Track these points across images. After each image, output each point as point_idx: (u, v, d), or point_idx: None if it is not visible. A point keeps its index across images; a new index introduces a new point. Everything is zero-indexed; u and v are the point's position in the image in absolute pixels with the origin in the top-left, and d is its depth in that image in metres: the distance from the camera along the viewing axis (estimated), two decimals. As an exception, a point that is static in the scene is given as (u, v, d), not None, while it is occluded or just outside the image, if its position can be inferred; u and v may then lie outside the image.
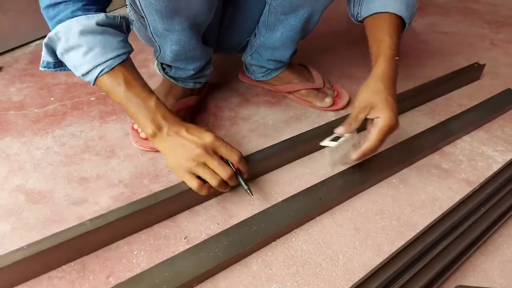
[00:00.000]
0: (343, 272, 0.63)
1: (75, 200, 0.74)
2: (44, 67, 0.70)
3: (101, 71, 0.63)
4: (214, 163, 0.64)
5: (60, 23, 0.62)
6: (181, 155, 0.64)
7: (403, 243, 0.65)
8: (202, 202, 0.74)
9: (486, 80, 1.12)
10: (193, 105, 0.95)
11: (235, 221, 0.70)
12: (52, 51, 0.67)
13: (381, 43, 0.74)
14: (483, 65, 1.10)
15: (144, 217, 0.68)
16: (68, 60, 0.65)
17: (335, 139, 0.72)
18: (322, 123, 0.89)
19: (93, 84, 0.65)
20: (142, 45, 0.98)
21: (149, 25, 0.73)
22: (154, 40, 0.78)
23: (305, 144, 0.83)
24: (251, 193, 0.69)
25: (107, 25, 0.65)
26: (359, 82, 1.10)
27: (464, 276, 0.63)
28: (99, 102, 1.01)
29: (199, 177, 0.65)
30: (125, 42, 0.67)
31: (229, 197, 0.75)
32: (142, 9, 0.69)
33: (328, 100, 0.98)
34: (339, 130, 0.72)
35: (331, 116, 0.97)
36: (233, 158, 0.66)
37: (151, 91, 0.67)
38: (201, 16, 0.74)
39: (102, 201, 0.74)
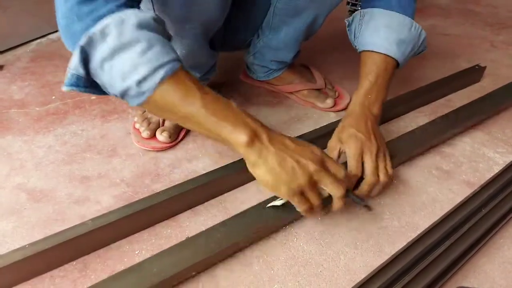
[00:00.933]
0: (344, 273, 0.63)
1: (77, 199, 0.74)
2: (70, 85, 0.52)
3: (164, 74, 0.51)
4: (328, 181, 0.56)
5: (100, 19, 0.49)
6: (292, 171, 0.54)
7: (404, 244, 0.65)
8: (203, 202, 0.74)
9: (487, 82, 1.13)
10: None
11: (236, 221, 0.70)
12: (86, 61, 0.52)
13: (359, 84, 0.76)
14: (484, 67, 1.10)
15: (146, 216, 0.68)
16: (114, 66, 0.50)
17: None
18: (324, 124, 0.89)
19: (151, 94, 0.51)
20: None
21: None
22: None
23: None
24: (369, 207, 0.71)
25: (162, 24, 0.55)
26: (361, 83, 1.11)
27: (465, 278, 0.63)
28: (100, 101, 1.01)
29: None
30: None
31: (231, 197, 0.75)
32: (154, 12, 0.69)
33: (329, 101, 0.98)
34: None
35: (332, 117, 0.97)
36: (341, 174, 0.59)
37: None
38: (212, 23, 0.74)
39: (104, 200, 0.74)
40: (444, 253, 0.63)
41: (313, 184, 0.56)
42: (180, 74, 0.52)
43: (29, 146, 0.87)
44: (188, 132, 0.90)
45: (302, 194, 0.57)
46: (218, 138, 0.55)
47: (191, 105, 0.53)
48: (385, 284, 0.59)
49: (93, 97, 1.03)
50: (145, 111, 0.90)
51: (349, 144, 0.70)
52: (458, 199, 0.74)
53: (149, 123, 0.87)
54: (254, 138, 0.54)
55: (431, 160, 0.85)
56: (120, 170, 0.81)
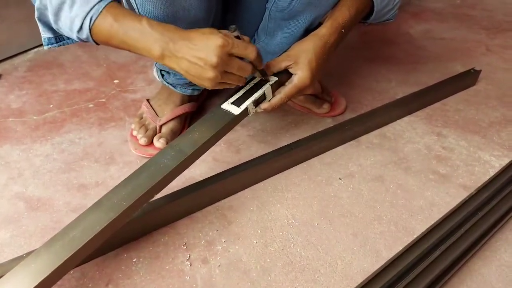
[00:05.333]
0: (342, 278, 0.63)
1: (75, 207, 0.75)
2: (47, 44, 0.70)
3: (90, 20, 0.61)
4: (234, 69, 0.63)
5: None
6: (199, 72, 0.61)
7: (401, 248, 0.65)
8: (200, 209, 0.74)
9: (482, 86, 1.13)
10: (191, 111, 0.95)
11: (234, 227, 0.71)
12: (48, 26, 0.67)
13: (336, 12, 0.76)
14: (479, 71, 1.11)
15: (143, 223, 0.68)
16: (62, 26, 0.64)
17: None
18: (320, 129, 0.90)
19: (92, 39, 0.64)
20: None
21: None
22: None
23: (303, 150, 0.84)
24: (269, 79, 0.72)
25: None
26: (357, 88, 1.12)
27: (461, 281, 0.63)
28: (97, 109, 1.02)
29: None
30: None
31: (228, 203, 0.76)
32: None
33: (325, 106, 0.98)
34: (257, 74, 0.75)
35: (329, 122, 0.98)
36: (251, 56, 0.63)
37: (139, 15, 0.64)
38: (199, 23, 0.74)
39: (101, 208, 0.74)
40: (441, 256, 0.63)
41: (223, 73, 0.62)
42: (104, 14, 0.62)
43: (27, 154, 0.87)
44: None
45: (224, 81, 0.64)
46: (145, 55, 0.64)
47: (116, 38, 0.63)
48: (382, 288, 0.59)
49: (91, 105, 1.03)
50: (142, 118, 0.91)
51: (299, 73, 0.73)
52: (455, 202, 0.75)
53: (146, 130, 0.87)
54: (164, 52, 0.61)
55: (428, 164, 0.85)
56: (117, 177, 0.81)
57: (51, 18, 0.64)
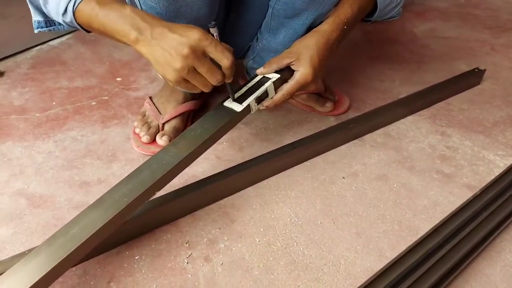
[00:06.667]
0: (345, 277, 0.62)
1: (76, 204, 0.74)
2: (37, 28, 0.72)
3: (74, 3, 0.62)
4: (203, 69, 0.60)
5: None
6: (168, 61, 0.59)
7: (405, 248, 0.64)
8: (203, 207, 0.74)
9: (487, 85, 1.12)
10: (194, 109, 0.95)
11: (236, 225, 0.70)
12: (39, 9, 0.69)
13: (339, 9, 0.76)
14: (484, 70, 1.10)
15: (145, 221, 0.68)
16: (51, 10, 0.66)
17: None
18: (323, 127, 0.90)
19: (76, 23, 0.65)
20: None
21: None
22: None
23: (306, 149, 0.83)
24: (233, 98, 0.70)
25: None
26: (360, 86, 1.11)
27: (466, 281, 0.62)
28: (100, 107, 1.01)
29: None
30: None
31: (230, 201, 0.75)
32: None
33: (328, 105, 0.98)
34: (259, 71, 0.75)
35: (332, 121, 0.97)
36: (224, 63, 0.60)
37: (125, 2, 0.63)
38: (201, 20, 0.74)
39: (104, 205, 0.74)
40: (445, 256, 0.63)
41: (191, 71, 0.59)
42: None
43: (29, 151, 0.87)
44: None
45: (187, 80, 0.61)
46: (121, 40, 0.63)
47: (96, 21, 0.62)
48: (385, 288, 0.58)
49: (93, 102, 1.03)
50: (144, 116, 0.91)
51: (301, 70, 0.72)
52: (459, 202, 0.74)
53: (149, 128, 0.87)
54: (138, 35, 0.60)
55: (432, 164, 0.85)
56: (120, 175, 0.81)
57: (40, 1, 0.66)
